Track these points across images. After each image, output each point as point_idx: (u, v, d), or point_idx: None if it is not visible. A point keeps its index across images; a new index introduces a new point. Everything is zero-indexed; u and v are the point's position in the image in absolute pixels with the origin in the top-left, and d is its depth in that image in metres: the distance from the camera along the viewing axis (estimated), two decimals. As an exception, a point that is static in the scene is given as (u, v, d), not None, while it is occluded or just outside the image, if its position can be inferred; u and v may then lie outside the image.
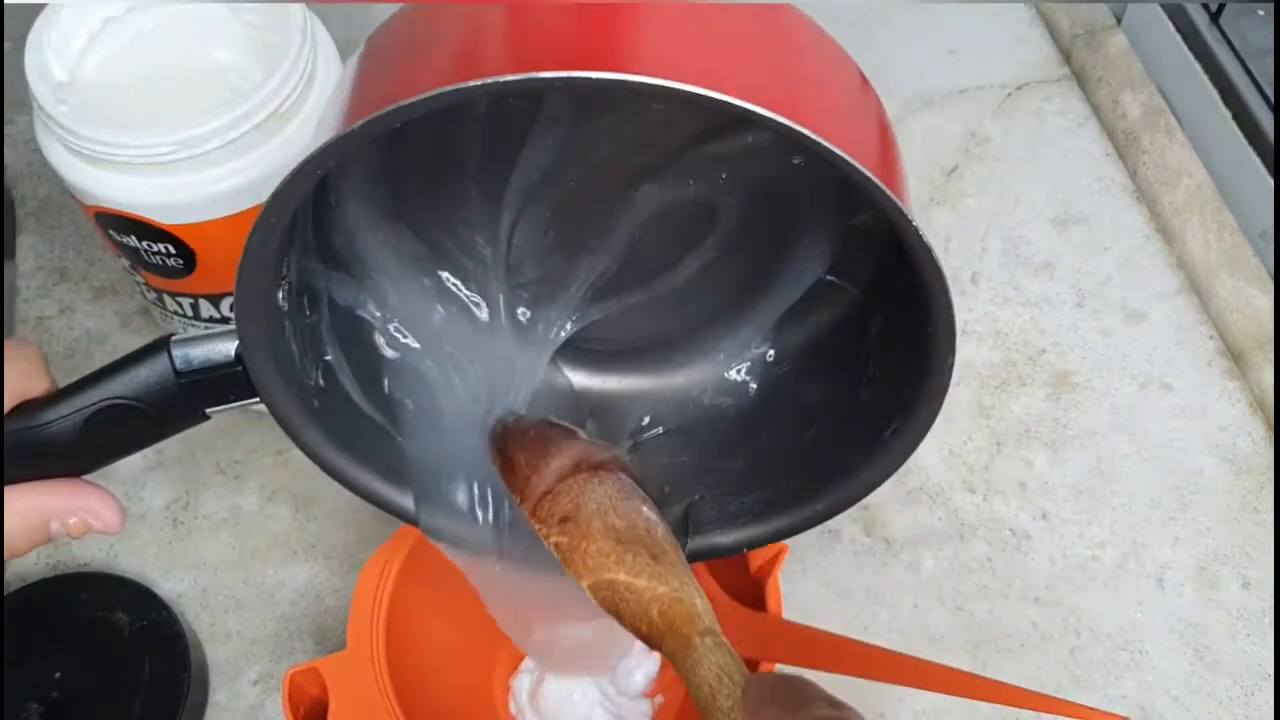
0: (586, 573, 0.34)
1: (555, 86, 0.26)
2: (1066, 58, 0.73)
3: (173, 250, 0.47)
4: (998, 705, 0.46)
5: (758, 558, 0.46)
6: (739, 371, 0.42)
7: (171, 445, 0.57)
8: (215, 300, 0.49)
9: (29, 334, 0.60)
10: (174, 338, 0.34)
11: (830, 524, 0.55)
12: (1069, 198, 0.67)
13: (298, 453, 0.57)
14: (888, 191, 0.27)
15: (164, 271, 0.48)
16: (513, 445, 0.39)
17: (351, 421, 0.38)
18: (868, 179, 0.27)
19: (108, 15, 0.47)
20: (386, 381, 0.39)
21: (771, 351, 0.42)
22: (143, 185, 0.44)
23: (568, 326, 0.41)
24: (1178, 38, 0.69)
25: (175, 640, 0.50)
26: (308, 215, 0.35)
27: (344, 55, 0.50)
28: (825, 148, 0.26)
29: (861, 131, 0.29)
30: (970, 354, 0.61)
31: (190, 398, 0.34)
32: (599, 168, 0.38)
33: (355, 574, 0.46)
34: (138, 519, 0.55)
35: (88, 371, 0.35)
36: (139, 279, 0.50)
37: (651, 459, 0.41)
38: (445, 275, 0.41)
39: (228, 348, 0.34)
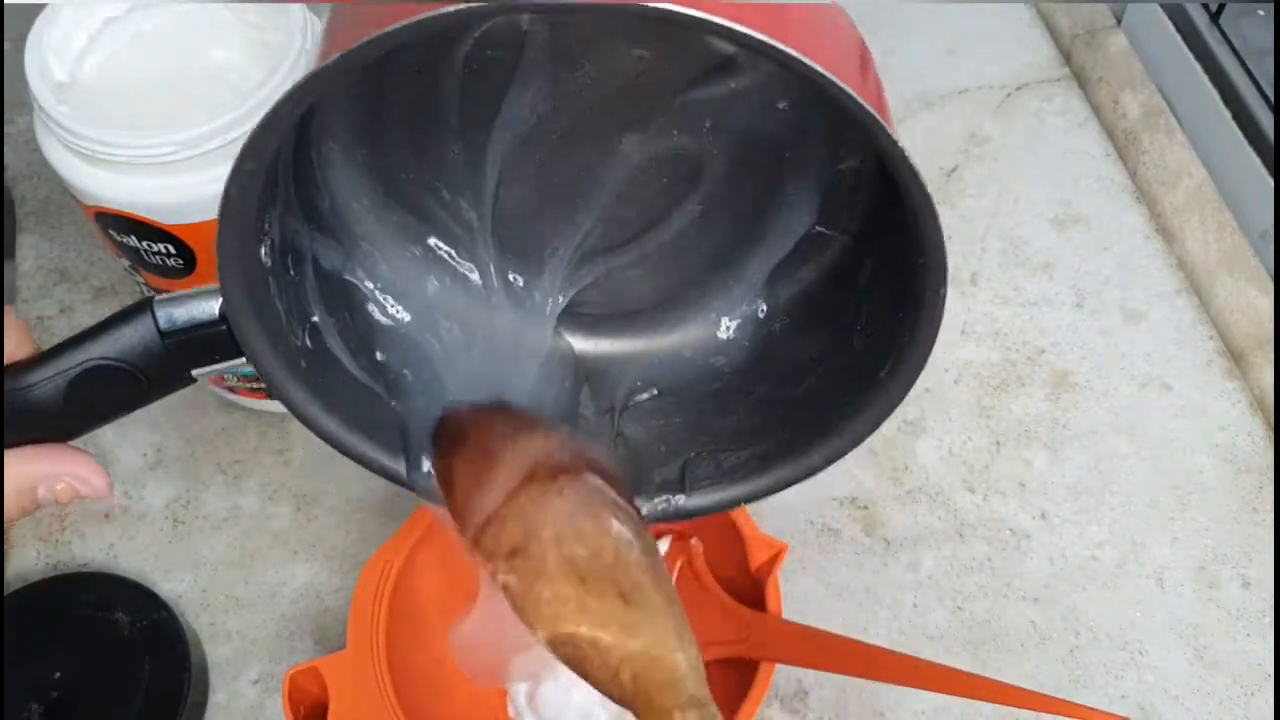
0: (542, 624, 0.29)
1: (535, 11, 0.25)
2: (1066, 58, 0.73)
3: (173, 250, 0.47)
4: (998, 705, 0.46)
5: (757, 557, 0.46)
6: (731, 329, 0.42)
7: (172, 445, 0.57)
8: (215, 300, 0.49)
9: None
10: (157, 298, 0.34)
11: (830, 524, 0.56)
12: (1069, 198, 0.67)
13: (299, 452, 0.57)
14: (872, 111, 0.26)
15: (164, 271, 0.48)
16: (451, 454, 0.34)
17: (341, 382, 0.37)
18: (852, 99, 0.26)
19: (108, 15, 0.47)
20: (379, 350, 0.39)
21: (764, 307, 0.41)
22: (143, 185, 0.44)
23: (563, 292, 0.41)
24: (1178, 38, 0.69)
25: (175, 640, 0.50)
26: (289, 173, 0.35)
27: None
28: (809, 66, 0.25)
29: (841, 52, 0.29)
30: (970, 354, 0.61)
31: (175, 358, 0.34)
32: (581, 121, 0.37)
33: (355, 574, 0.46)
34: (138, 519, 0.55)
35: None
36: (139, 279, 0.50)
37: (645, 421, 0.41)
38: (434, 242, 0.40)
39: (212, 306, 0.34)
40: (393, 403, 0.38)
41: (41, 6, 0.47)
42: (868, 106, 0.26)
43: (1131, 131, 0.69)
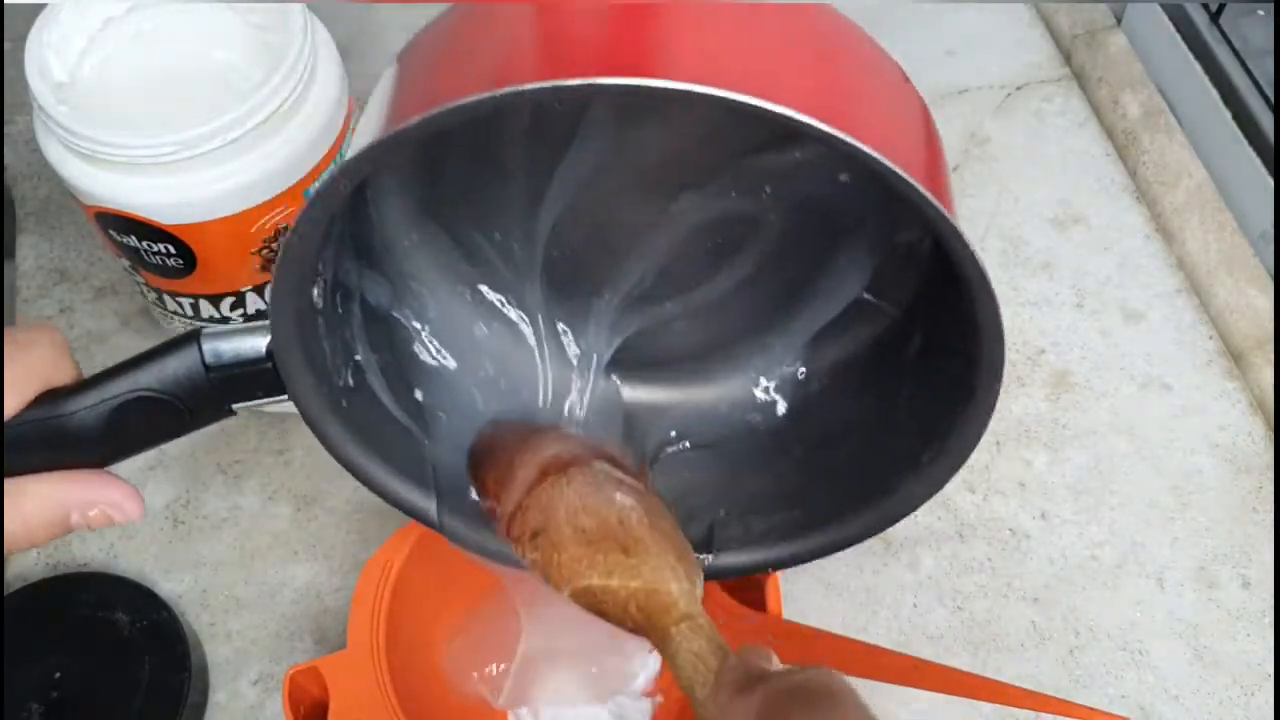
0: (564, 583, 0.34)
1: (601, 94, 0.25)
2: (1066, 58, 0.73)
3: (173, 250, 0.47)
4: (998, 705, 0.46)
5: (758, 558, 0.46)
6: (769, 389, 0.42)
7: (172, 445, 0.57)
8: (215, 300, 0.50)
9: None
10: (204, 331, 0.34)
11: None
12: (1069, 198, 0.67)
13: (299, 452, 0.57)
14: (942, 209, 0.27)
15: (164, 271, 0.48)
16: (482, 467, 0.38)
17: (378, 422, 0.37)
18: (923, 197, 0.26)
19: (108, 15, 0.47)
20: (420, 389, 0.39)
21: (803, 369, 0.41)
22: (143, 185, 0.44)
23: (609, 341, 0.41)
24: (1178, 38, 0.69)
25: (175, 640, 0.50)
26: (345, 210, 0.35)
27: (344, 55, 0.50)
28: (881, 164, 0.25)
29: (911, 142, 0.29)
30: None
31: (218, 392, 0.34)
32: (640, 176, 0.37)
33: (355, 574, 0.46)
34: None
35: (87, 369, 0.34)
36: (139, 279, 0.50)
37: (677, 473, 0.41)
38: (483, 287, 0.40)
39: (259, 344, 0.34)
40: (427, 442, 0.38)
41: (41, 6, 0.47)
42: (942, 209, 0.26)
43: (1131, 131, 0.69)
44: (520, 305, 0.41)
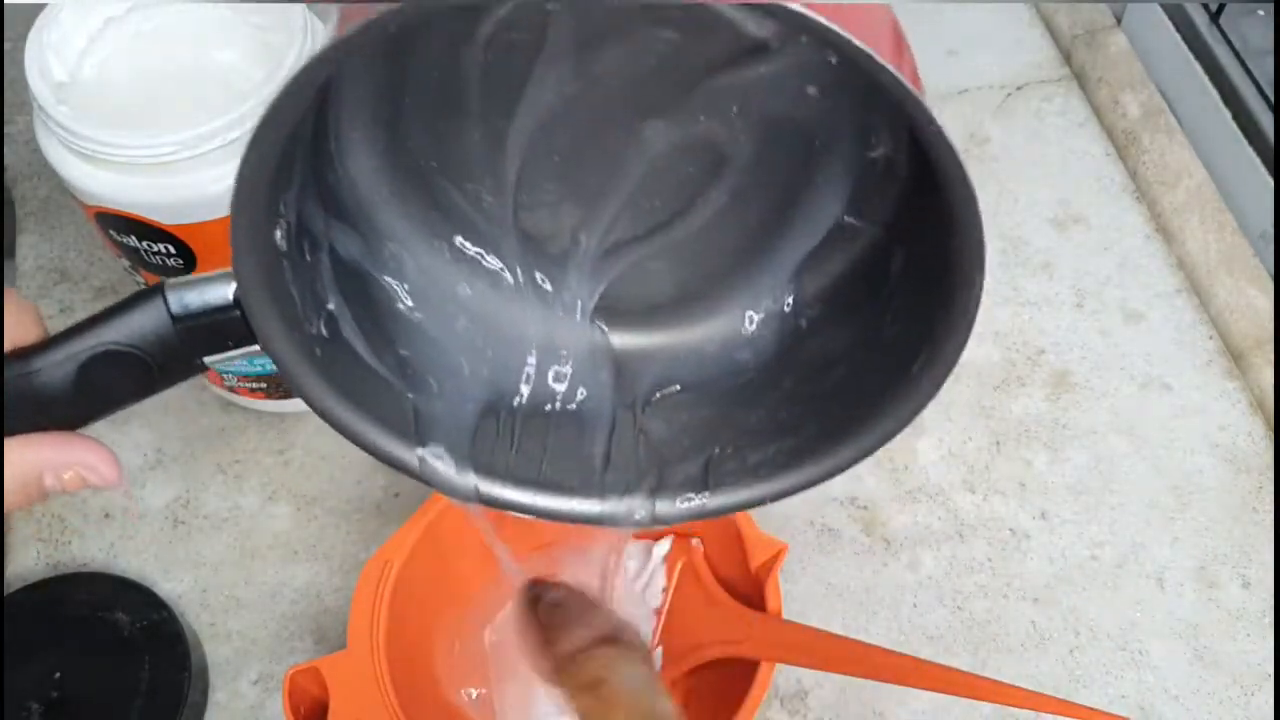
0: None
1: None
2: (1066, 58, 0.73)
3: (173, 250, 0.47)
4: (998, 705, 0.46)
5: (757, 557, 0.46)
6: (756, 323, 0.41)
7: (172, 445, 0.57)
8: (215, 300, 0.49)
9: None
10: (169, 282, 0.33)
11: (830, 524, 0.56)
12: (1069, 198, 0.67)
13: (299, 452, 0.57)
14: (909, 87, 0.26)
15: (164, 271, 0.48)
16: (539, 608, 0.39)
17: (355, 373, 0.36)
18: (892, 76, 0.25)
19: (108, 15, 0.47)
20: (402, 346, 0.38)
21: (790, 300, 0.40)
22: (143, 185, 0.44)
23: (591, 287, 0.40)
24: (1178, 38, 0.69)
25: (175, 640, 0.50)
26: (307, 158, 0.34)
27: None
28: (841, 37, 0.25)
29: (877, 30, 0.29)
30: (970, 354, 0.61)
31: (187, 344, 0.33)
32: (605, 106, 0.37)
33: (355, 574, 0.46)
34: (138, 519, 0.55)
35: None
36: (139, 279, 0.50)
37: (669, 416, 0.40)
38: (459, 239, 0.40)
39: (225, 291, 0.33)
40: (410, 395, 0.37)
41: (41, 6, 0.47)
42: (905, 82, 0.26)
43: (1131, 131, 0.69)
44: (498, 254, 0.40)
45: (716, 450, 0.39)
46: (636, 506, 0.38)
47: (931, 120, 0.27)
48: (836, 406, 0.37)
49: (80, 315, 0.63)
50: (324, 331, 0.35)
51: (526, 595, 0.40)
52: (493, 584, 0.51)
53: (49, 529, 0.55)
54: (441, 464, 0.37)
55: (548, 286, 0.40)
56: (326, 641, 0.52)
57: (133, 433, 0.57)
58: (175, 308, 0.33)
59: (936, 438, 0.58)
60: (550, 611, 0.39)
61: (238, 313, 0.33)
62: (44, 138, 0.46)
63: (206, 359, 0.34)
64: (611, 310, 0.42)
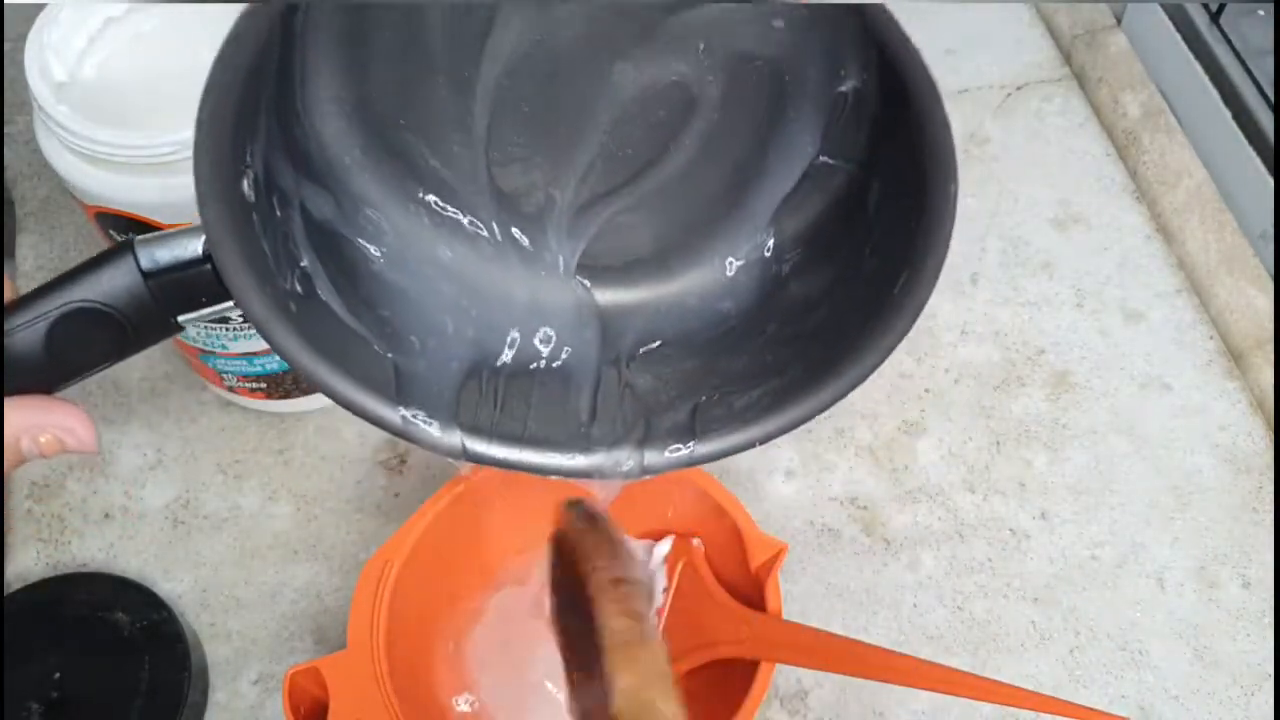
0: (635, 676, 0.34)
1: None
2: (1066, 58, 0.73)
3: (173, 250, 0.47)
4: (998, 705, 0.46)
5: (757, 557, 0.46)
6: (736, 270, 0.41)
7: (172, 445, 0.57)
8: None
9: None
10: (138, 238, 0.33)
11: (830, 524, 0.56)
12: (1069, 198, 0.67)
13: (299, 452, 0.57)
14: None
15: (164, 271, 0.48)
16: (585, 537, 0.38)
17: (335, 330, 0.36)
18: None
19: (108, 15, 0.47)
20: (379, 308, 0.37)
21: (770, 244, 0.40)
22: (143, 185, 0.44)
23: (570, 243, 0.39)
24: (1178, 38, 0.69)
25: (175, 640, 0.50)
26: (271, 108, 0.34)
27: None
28: None
29: None
30: (970, 354, 0.61)
31: (159, 301, 0.33)
32: (570, 52, 0.36)
33: (355, 574, 0.46)
34: (138, 519, 0.55)
35: None
36: (139, 279, 0.50)
37: (653, 369, 0.40)
38: (432, 199, 0.39)
39: (195, 245, 0.32)
40: (390, 355, 0.37)
41: (41, 6, 0.47)
42: None
43: (1132, 131, 0.69)
44: (473, 213, 0.39)
45: (703, 398, 0.38)
46: (624, 458, 0.37)
47: (894, 23, 0.27)
48: (819, 346, 0.37)
49: (80, 315, 0.63)
50: (299, 289, 0.35)
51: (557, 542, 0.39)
52: (492, 583, 0.51)
53: (49, 529, 0.55)
54: (425, 422, 0.36)
55: (527, 245, 0.40)
56: (326, 641, 0.52)
57: (133, 433, 0.57)
58: (145, 263, 0.32)
59: (936, 438, 0.58)
60: (590, 543, 0.38)
61: (209, 267, 0.32)
62: (44, 138, 0.46)
63: (180, 318, 0.33)
64: (593, 267, 0.41)
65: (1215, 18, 0.67)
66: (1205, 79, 0.67)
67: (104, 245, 0.49)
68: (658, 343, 0.41)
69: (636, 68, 0.36)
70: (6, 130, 0.68)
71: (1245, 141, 0.65)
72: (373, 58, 0.36)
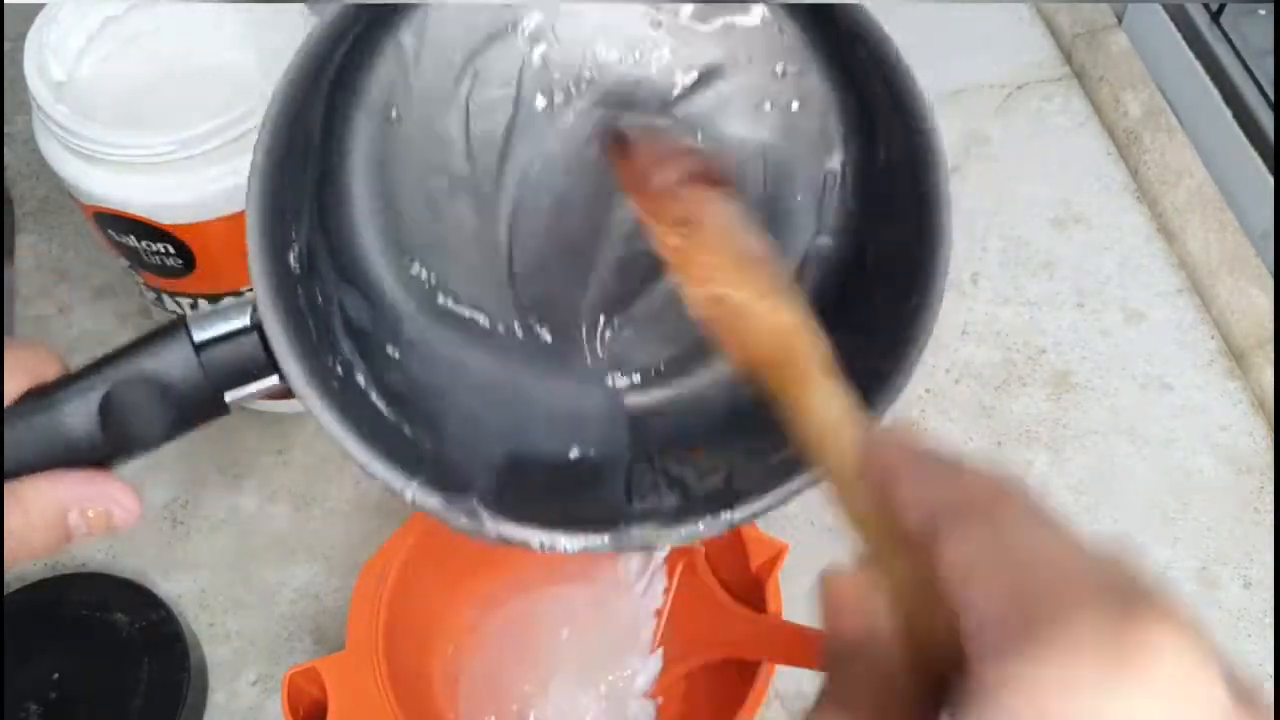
0: (700, 282, 0.32)
1: None
2: (1067, 57, 0.73)
3: (172, 250, 0.47)
4: (998, 706, 0.46)
5: (757, 557, 0.46)
6: None
7: (171, 445, 0.57)
8: (214, 300, 0.49)
9: (29, 334, 0.60)
10: (191, 314, 0.33)
11: (830, 524, 0.55)
12: (1069, 198, 0.67)
13: (298, 452, 0.57)
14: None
15: (163, 271, 0.48)
16: (633, 143, 0.37)
17: (372, 412, 0.37)
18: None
19: (107, 15, 0.47)
20: (415, 403, 0.38)
21: None
22: (142, 185, 0.44)
23: (595, 346, 0.40)
24: (1178, 37, 0.69)
25: (175, 640, 0.50)
26: (313, 199, 0.35)
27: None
28: None
29: None
30: (970, 354, 0.61)
31: (210, 376, 0.33)
32: (580, 159, 0.38)
33: (355, 574, 0.46)
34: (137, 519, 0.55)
35: None
36: (138, 279, 0.50)
37: (684, 454, 0.40)
38: (460, 309, 0.40)
39: (245, 315, 0.33)
40: (428, 445, 0.37)
41: (41, 6, 0.47)
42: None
43: (1132, 131, 0.69)
44: (502, 324, 0.40)
45: (737, 461, 0.38)
46: (659, 534, 0.36)
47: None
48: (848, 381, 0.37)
49: (80, 315, 0.63)
50: (339, 372, 0.36)
51: (612, 136, 0.37)
52: (492, 585, 0.51)
53: (48, 529, 0.55)
54: (461, 507, 0.36)
55: (554, 350, 0.41)
56: (326, 642, 0.52)
57: (132, 433, 0.57)
58: (197, 335, 0.33)
59: (937, 438, 0.58)
60: (638, 149, 0.36)
61: (257, 334, 0.33)
62: (43, 137, 0.46)
63: (228, 395, 0.34)
64: (618, 369, 0.42)
65: (1216, 17, 0.67)
66: (1206, 79, 0.67)
67: (104, 246, 0.50)
68: (685, 433, 0.41)
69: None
70: (6, 130, 0.68)
71: (1246, 141, 0.65)
72: (402, 178, 0.38)
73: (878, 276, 0.37)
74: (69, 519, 0.33)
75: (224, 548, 0.55)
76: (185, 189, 0.44)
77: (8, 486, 0.32)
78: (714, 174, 0.35)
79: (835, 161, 0.38)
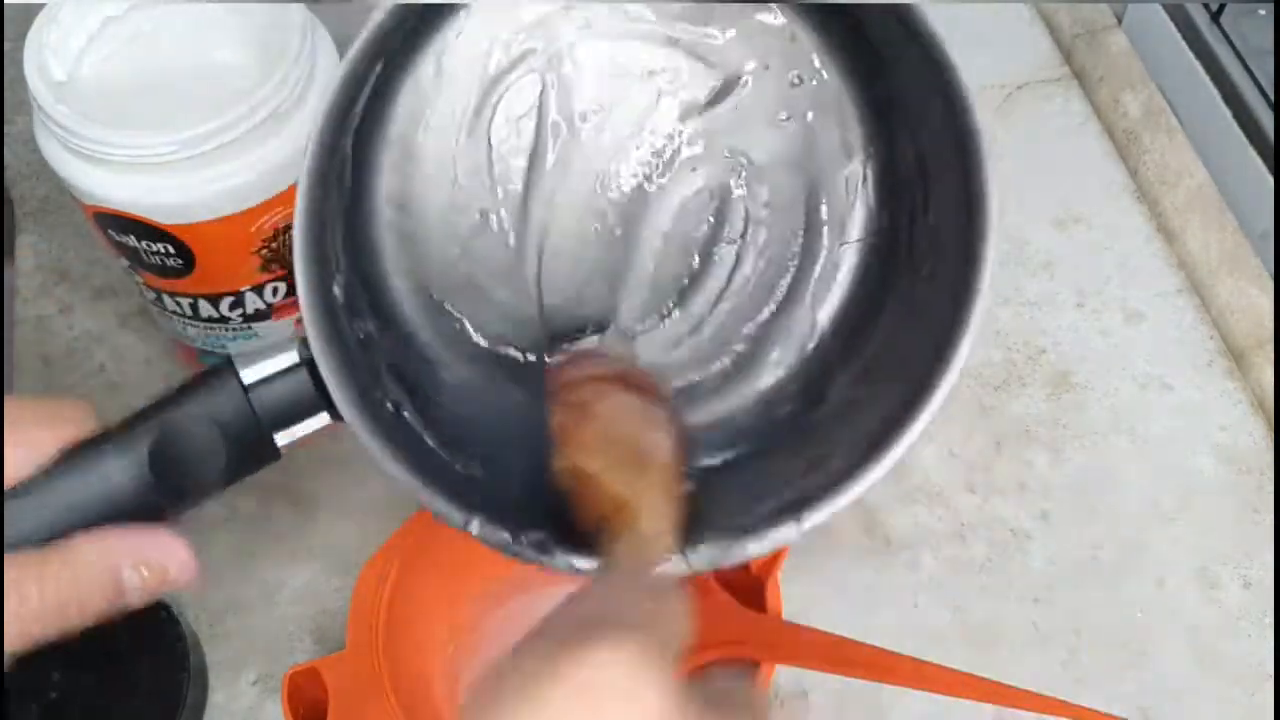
0: (574, 454, 0.33)
1: None
2: (1067, 57, 0.73)
3: (172, 250, 0.47)
4: (998, 706, 0.46)
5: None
6: (786, 376, 0.41)
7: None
8: (214, 300, 0.49)
9: (29, 334, 0.60)
10: (237, 354, 0.33)
11: (830, 523, 0.55)
12: (1069, 198, 0.67)
13: (298, 452, 0.57)
14: None
15: (163, 271, 0.48)
16: (566, 360, 0.38)
17: (426, 451, 0.36)
18: None
19: (107, 15, 0.47)
20: (462, 442, 0.37)
21: (813, 340, 0.41)
22: (142, 185, 0.44)
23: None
24: (1178, 37, 0.69)
25: (175, 640, 0.50)
26: (347, 246, 0.35)
27: (343, 55, 0.50)
28: None
29: None
30: (970, 354, 0.61)
31: (259, 416, 0.32)
32: (606, 174, 0.38)
33: (355, 574, 0.46)
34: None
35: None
36: (138, 279, 0.50)
37: (736, 474, 0.39)
38: (493, 347, 0.40)
39: (292, 352, 0.32)
40: (482, 477, 0.37)
41: (41, 6, 0.47)
42: None
43: (1132, 131, 0.69)
44: (534, 357, 0.40)
45: (798, 477, 0.37)
46: (727, 553, 0.35)
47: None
48: (898, 379, 0.37)
49: (80, 315, 0.63)
50: (390, 408, 0.35)
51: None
52: (492, 584, 0.51)
53: (48, 529, 0.55)
54: (525, 540, 0.36)
55: None
56: (326, 642, 0.52)
57: (132, 433, 0.57)
58: (246, 377, 0.32)
59: (936, 438, 0.58)
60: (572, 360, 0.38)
61: (307, 371, 0.32)
62: (43, 137, 0.46)
63: (279, 437, 0.33)
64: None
65: (1216, 17, 0.67)
66: (1206, 79, 0.67)
67: (104, 246, 0.50)
68: (733, 454, 0.40)
69: (668, 181, 0.38)
70: (6, 130, 0.68)
71: (1246, 141, 0.65)
72: (424, 217, 0.38)
73: (919, 263, 0.37)
74: (123, 575, 0.31)
75: (224, 547, 0.55)
76: (185, 189, 0.44)
77: (61, 544, 0.30)
78: (634, 379, 0.37)
79: (854, 162, 0.38)
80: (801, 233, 0.39)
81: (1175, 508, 0.56)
